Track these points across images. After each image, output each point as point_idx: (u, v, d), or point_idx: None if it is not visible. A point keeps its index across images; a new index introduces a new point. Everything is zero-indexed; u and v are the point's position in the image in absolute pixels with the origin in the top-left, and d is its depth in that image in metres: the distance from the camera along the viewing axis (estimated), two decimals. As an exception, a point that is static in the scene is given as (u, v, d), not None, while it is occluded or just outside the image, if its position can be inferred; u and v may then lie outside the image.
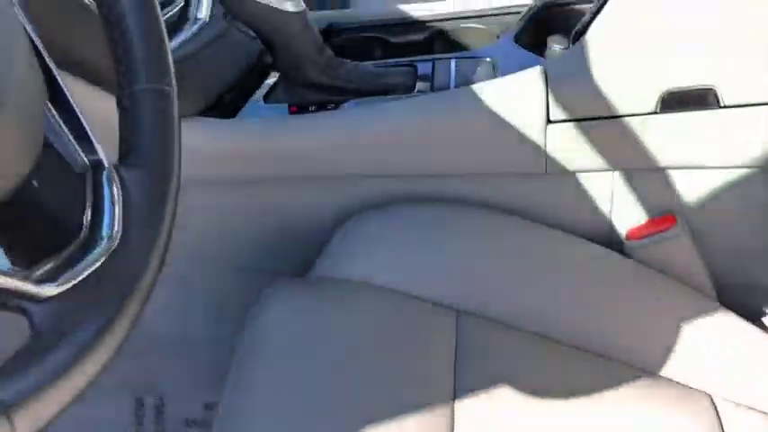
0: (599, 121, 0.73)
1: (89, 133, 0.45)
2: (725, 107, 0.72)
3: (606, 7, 0.78)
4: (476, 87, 0.74)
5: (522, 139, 0.75)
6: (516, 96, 0.73)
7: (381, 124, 0.77)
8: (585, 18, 0.82)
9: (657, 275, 0.79)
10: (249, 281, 0.89)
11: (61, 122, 0.44)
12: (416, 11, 0.92)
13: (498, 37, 0.89)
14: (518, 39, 0.84)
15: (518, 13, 0.90)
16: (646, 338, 0.74)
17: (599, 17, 0.78)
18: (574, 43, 0.79)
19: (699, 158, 0.76)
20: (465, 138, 0.76)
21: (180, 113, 0.77)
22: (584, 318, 0.75)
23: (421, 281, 0.74)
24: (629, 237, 0.81)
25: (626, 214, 0.81)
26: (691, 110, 0.72)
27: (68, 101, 0.44)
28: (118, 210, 0.43)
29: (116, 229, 0.42)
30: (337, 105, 0.79)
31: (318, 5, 0.77)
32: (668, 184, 0.79)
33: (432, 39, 0.91)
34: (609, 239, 0.83)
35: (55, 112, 0.44)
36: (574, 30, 0.81)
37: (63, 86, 0.45)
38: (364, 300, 0.72)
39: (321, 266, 0.76)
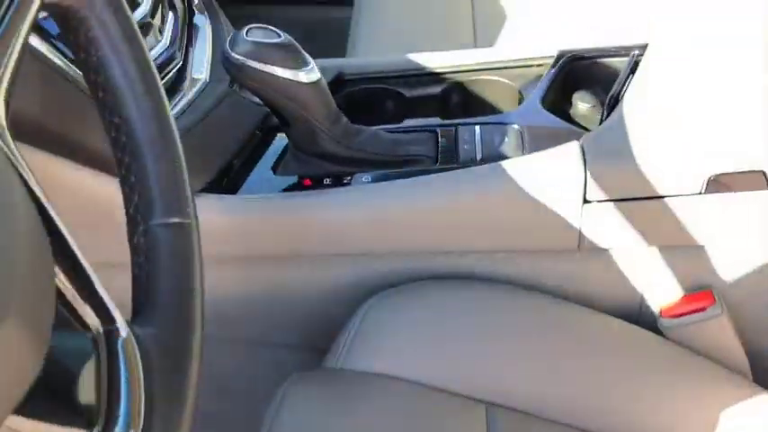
0: (638, 201, 0.68)
1: (101, 293, 0.39)
2: (774, 188, 0.67)
3: (639, 72, 0.74)
4: (507, 164, 0.69)
5: (556, 218, 0.70)
6: (552, 175, 0.68)
7: (407, 201, 0.71)
8: (619, 80, 0.77)
9: (693, 357, 0.75)
10: (262, 356, 0.84)
11: (67, 282, 0.38)
12: (431, 61, 0.86)
13: (520, 93, 0.83)
14: (544, 100, 0.78)
15: (540, 65, 0.84)
16: (683, 427, 0.70)
17: (633, 84, 0.73)
18: (608, 110, 0.74)
19: (741, 237, 0.71)
20: (494, 216, 0.71)
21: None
22: (619, 406, 0.70)
23: (447, 372, 0.69)
24: (663, 314, 0.76)
25: (660, 289, 0.77)
26: (737, 191, 0.67)
27: (77, 257, 0.38)
28: (137, 390, 0.37)
29: (135, 414, 0.36)
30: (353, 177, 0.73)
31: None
32: (706, 260, 0.74)
33: (449, 92, 0.85)
34: (641, 314, 0.78)
35: (61, 273, 0.38)
36: (608, 95, 0.76)
37: (69, 239, 0.38)
38: (387, 395, 0.67)
39: (339, 357, 0.70)
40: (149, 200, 0.43)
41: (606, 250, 0.74)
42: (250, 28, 0.66)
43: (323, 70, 0.84)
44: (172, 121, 0.44)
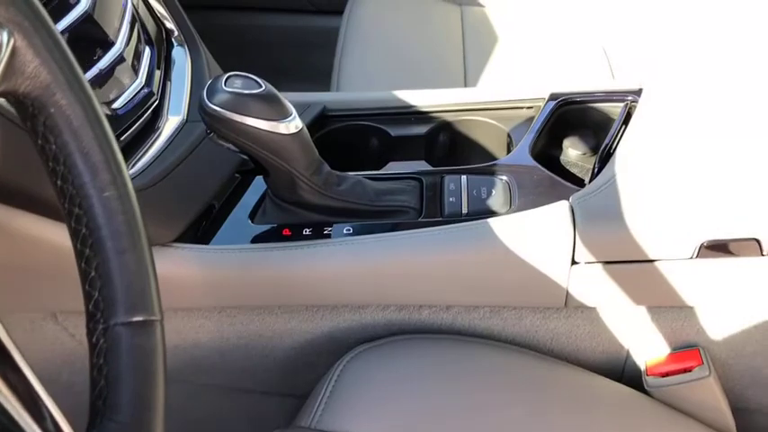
0: (628, 264, 0.66)
1: (50, 409, 0.36)
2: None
3: (632, 127, 0.71)
4: (495, 222, 0.66)
5: (543, 277, 0.67)
6: (540, 236, 0.65)
7: (390, 255, 0.68)
8: (612, 131, 0.74)
9: (678, 416, 0.73)
10: (239, 401, 0.82)
11: (11, 398, 0.35)
12: (418, 99, 0.83)
13: (509, 136, 0.80)
14: (534, 146, 0.76)
15: (530, 107, 0.82)
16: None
17: (625, 141, 0.70)
18: (599, 162, 0.72)
19: (731, 301, 0.70)
20: (480, 273, 0.68)
21: (156, 241, 0.68)
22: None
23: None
24: (649, 371, 0.75)
25: (646, 347, 0.75)
26: (730, 257, 0.65)
27: (20, 368, 0.35)
28: None
29: None
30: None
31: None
32: (694, 320, 0.72)
33: (436, 131, 0.82)
34: (626, 372, 0.77)
35: (2, 387, 0.35)
36: (601, 147, 0.73)
37: (9, 345, 0.36)
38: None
39: (314, 416, 0.67)
40: (111, 296, 0.40)
41: (593, 309, 0.72)
42: (229, 76, 0.63)
43: (307, 106, 0.81)
44: (137, 211, 0.41)
